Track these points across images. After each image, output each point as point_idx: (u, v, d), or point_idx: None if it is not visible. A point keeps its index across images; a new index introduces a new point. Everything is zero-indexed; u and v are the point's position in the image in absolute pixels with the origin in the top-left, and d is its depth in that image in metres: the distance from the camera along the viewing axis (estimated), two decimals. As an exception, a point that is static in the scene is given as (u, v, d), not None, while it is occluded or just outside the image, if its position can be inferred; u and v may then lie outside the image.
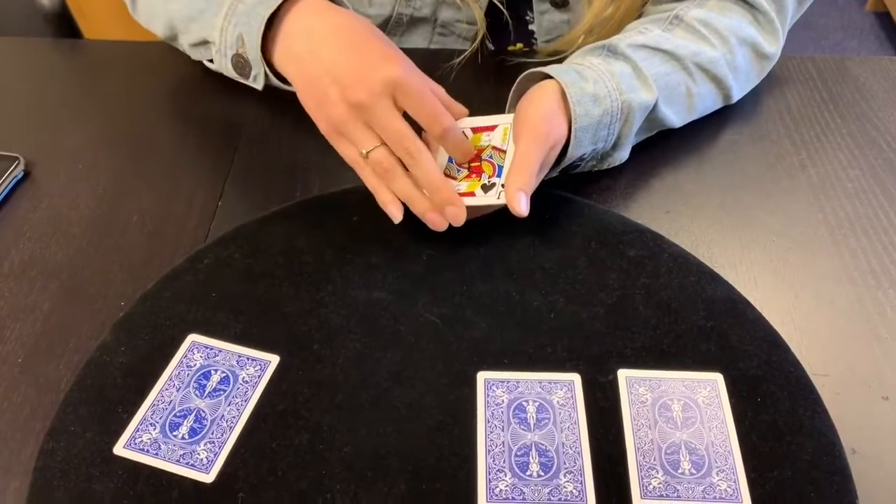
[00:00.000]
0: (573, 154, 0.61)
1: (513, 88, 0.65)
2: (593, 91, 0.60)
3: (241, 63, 0.65)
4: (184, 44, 0.72)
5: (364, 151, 0.57)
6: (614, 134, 0.63)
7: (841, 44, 2.30)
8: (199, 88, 0.78)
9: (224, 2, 0.64)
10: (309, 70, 0.59)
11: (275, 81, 0.65)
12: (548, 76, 0.61)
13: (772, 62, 0.73)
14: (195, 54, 0.72)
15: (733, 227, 0.63)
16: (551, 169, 0.62)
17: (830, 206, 0.65)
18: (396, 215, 0.58)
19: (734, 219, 0.64)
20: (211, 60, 0.69)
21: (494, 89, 0.66)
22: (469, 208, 0.57)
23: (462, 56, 0.76)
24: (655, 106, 0.64)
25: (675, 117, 0.67)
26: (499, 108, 0.66)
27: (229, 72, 0.67)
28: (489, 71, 0.77)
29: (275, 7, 0.61)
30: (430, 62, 0.75)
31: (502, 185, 0.57)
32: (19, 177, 0.68)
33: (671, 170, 0.68)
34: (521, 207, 0.56)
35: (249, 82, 0.66)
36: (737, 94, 0.72)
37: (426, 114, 0.56)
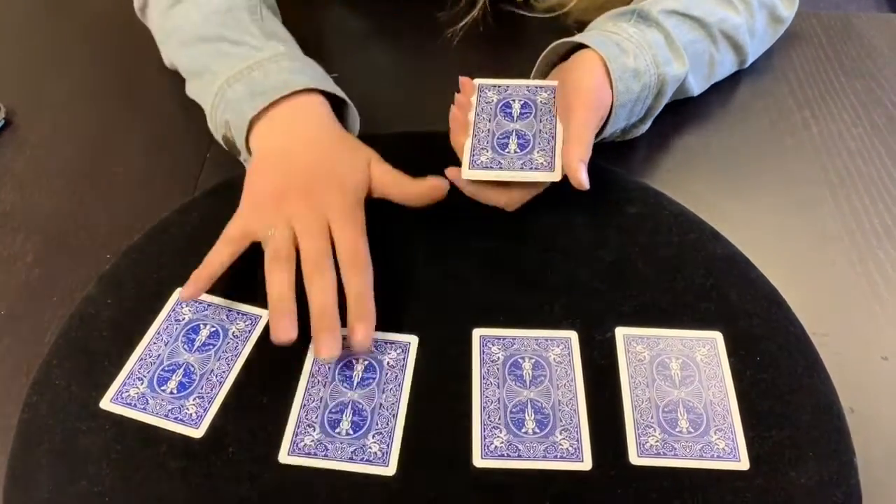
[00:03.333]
0: (607, 131, 0.59)
1: (541, 56, 0.62)
2: (634, 66, 0.57)
3: (230, 144, 0.60)
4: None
5: (271, 232, 0.51)
6: (646, 108, 0.61)
7: (840, 7, 2.27)
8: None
9: (216, 79, 0.59)
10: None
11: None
12: (581, 45, 0.58)
13: (784, 26, 0.72)
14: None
15: (735, 185, 0.62)
16: None
17: (833, 165, 0.64)
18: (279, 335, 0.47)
19: (736, 177, 0.63)
20: None
21: (494, 47, 0.64)
22: (507, 184, 0.56)
23: (469, 15, 0.73)
24: (685, 77, 0.62)
25: (696, 86, 0.66)
26: (497, 65, 0.64)
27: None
28: (490, 29, 0.75)
29: (258, 111, 0.56)
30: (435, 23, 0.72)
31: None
32: (0, 125, 0.66)
33: (673, 127, 0.67)
34: (583, 178, 0.53)
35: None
36: (751, 60, 0.71)
37: (345, 255, 0.51)
